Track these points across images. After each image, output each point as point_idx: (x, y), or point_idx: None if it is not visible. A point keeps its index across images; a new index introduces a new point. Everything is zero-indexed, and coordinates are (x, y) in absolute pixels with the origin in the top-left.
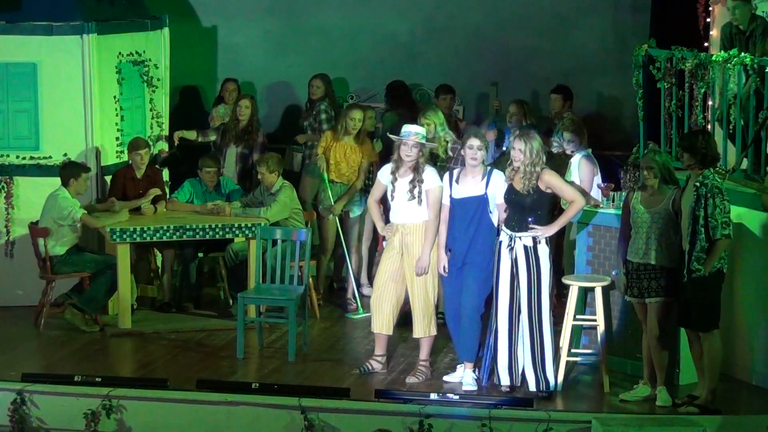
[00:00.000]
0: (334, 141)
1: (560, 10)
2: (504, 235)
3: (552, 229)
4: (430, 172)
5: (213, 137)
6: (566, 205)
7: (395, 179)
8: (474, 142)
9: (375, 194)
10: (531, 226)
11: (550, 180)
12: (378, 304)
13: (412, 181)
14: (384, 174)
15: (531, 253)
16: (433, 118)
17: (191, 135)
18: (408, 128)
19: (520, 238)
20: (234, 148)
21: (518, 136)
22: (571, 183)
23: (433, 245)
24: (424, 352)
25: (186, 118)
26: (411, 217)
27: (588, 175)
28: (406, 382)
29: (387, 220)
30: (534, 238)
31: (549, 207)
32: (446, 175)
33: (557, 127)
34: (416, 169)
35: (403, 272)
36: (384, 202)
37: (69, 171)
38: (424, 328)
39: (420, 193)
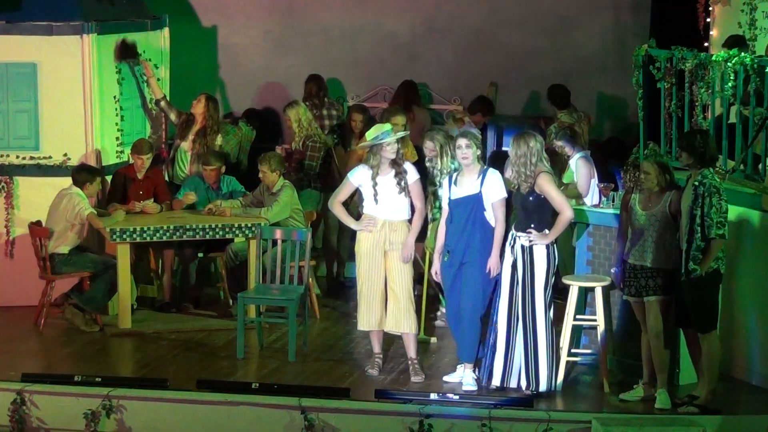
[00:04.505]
0: None
1: (560, 10)
2: (510, 235)
3: (545, 239)
4: (409, 165)
5: (173, 117)
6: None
7: (375, 183)
8: (462, 141)
9: (340, 195)
10: (528, 230)
11: (541, 185)
12: (369, 304)
13: (397, 175)
14: (357, 177)
15: (527, 253)
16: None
17: (160, 93)
18: (380, 129)
19: (519, 237)
20: (184, 146)
21: (512, 138)
22: (566, 187)
23: (418, 233)
24: (413, 350)
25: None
26: (397, 213)
27: (585, 176)
28: (411, 381)
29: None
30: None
31: (552, 208)
32: (446, 180)
33: (548, 133)
34: (396, 163)
35: (386, 270)
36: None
37: (85, 175)
38: (410, 324)
39: (407, 184)
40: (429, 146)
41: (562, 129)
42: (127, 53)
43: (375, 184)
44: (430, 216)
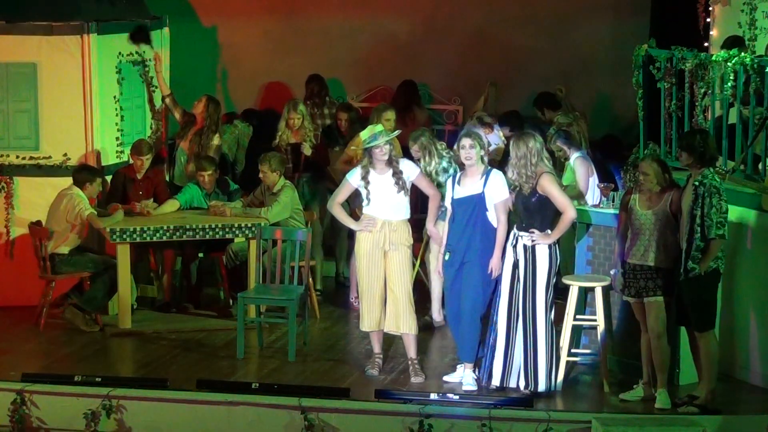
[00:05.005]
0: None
1: (560, 10)
2: (512, 235)
3: (548, 239)
4: (405, 162)
5: (177, 115)
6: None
7: (368, 183)
8: (465, 141)
9: (339, 196)
10: (530, 230)
11: (544, 185)
12: (369, 305)
13: (395, 174)
14: (356, 177)
15: (529, 253)
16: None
17: (167, 89)
18: (373, 130)
19: (521, 237)
20: (183, 146)
21: (512, 139)
22: (565, 189)
23: (435, 218)
24: (413, 351)
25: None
26: (396, 213)
27: (584, 175)
28: (411, 382)
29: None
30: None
31: (554, 208)
32: (449, 180)
33: (548, 136)
34: (391, 163)
35: (385, 270)
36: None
37: (85, 175)
38: (410, 325)
39: (405, 182)
40: (414, 148)
41: (557, 131)
42: (140, 37)
43: (368, 184)
44: None
